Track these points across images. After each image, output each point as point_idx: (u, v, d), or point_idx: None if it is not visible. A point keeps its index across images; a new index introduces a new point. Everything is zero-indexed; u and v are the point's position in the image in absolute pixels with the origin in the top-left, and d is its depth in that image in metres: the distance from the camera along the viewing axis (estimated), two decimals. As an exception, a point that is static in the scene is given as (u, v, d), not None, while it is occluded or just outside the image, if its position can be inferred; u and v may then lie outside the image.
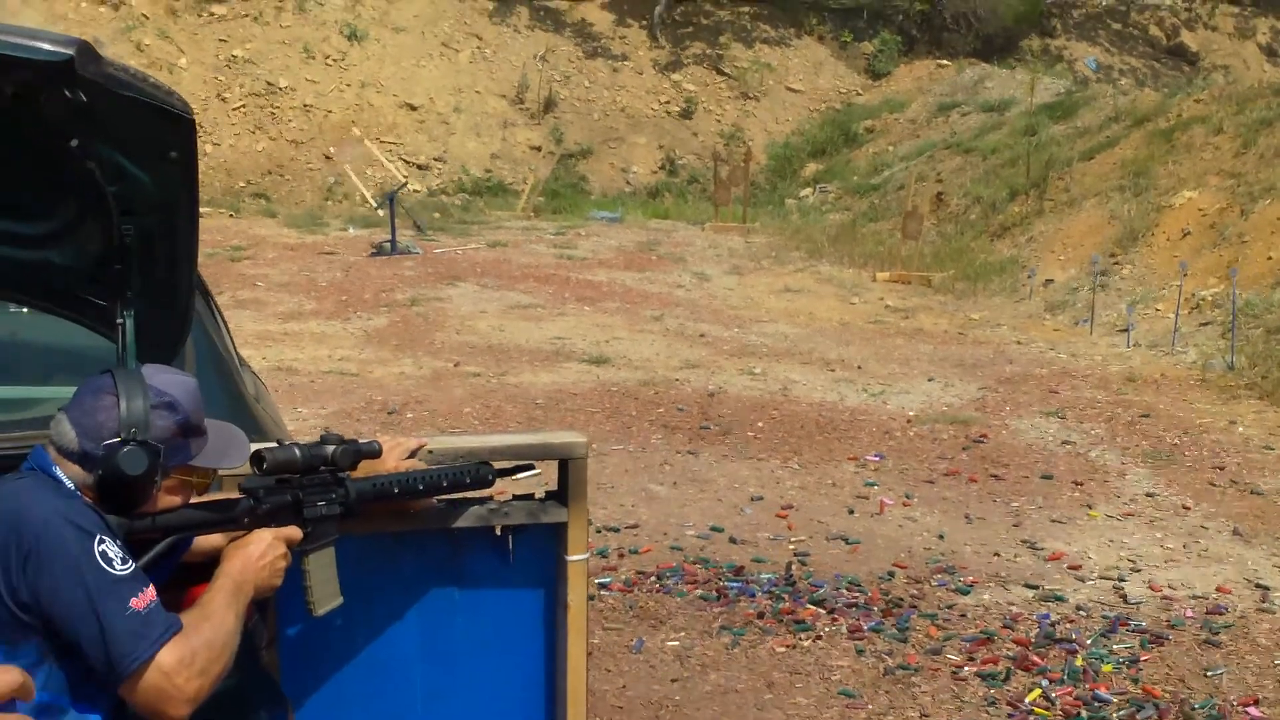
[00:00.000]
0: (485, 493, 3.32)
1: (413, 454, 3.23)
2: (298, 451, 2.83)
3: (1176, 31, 33.53)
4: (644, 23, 29.90)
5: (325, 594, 2.97)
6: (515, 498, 3.39)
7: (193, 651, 2.45)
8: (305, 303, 14.64)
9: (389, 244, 18.47)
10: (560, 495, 3.40)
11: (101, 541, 2.41)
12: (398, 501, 3.12)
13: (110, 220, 3.10)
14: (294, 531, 2.82)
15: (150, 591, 2.45)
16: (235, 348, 5.28)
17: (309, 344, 12.54)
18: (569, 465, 3.37)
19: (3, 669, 2.16)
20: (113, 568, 2.40)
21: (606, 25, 30.05)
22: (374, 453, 3.04)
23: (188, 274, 3.43)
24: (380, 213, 19.40)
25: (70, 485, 2.53)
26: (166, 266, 3.31)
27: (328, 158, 24.79)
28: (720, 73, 29.07)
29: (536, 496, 3.42)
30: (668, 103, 28.26)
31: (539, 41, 28.90)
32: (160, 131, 2.85)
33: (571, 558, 3.41)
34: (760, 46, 29.79)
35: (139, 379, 2.61)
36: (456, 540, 3.34)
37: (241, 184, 24.68)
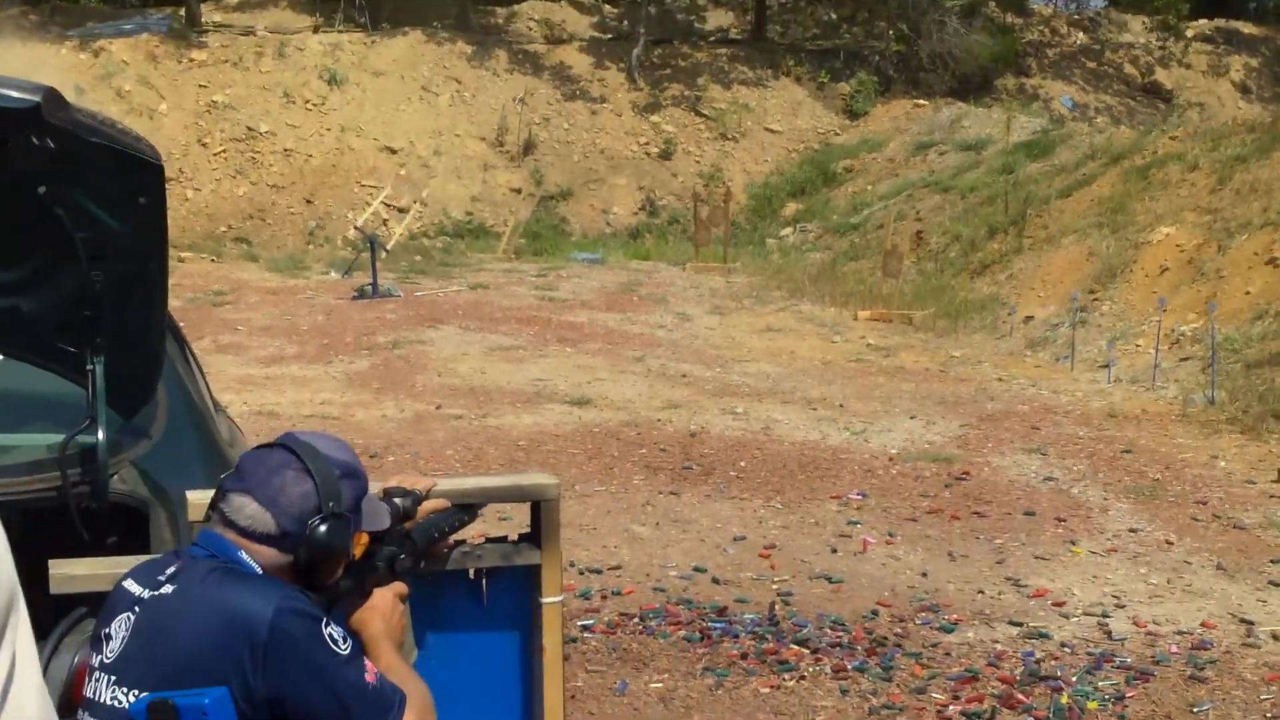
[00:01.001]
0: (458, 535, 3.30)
1: (428, 493, 3.22)
2: (389, 507, 2.81)
3: (1151, 70, 33.77)
4: (622, 65, 30.03)
5: (410, 646, 2.97)
6: (488, 540, 3.36)
7: (420, 712, 2.46)
8: (287, 347, 14.60)
9: (370, 287, 18.46)
10: (534, 537, 3.37)
11: (327, 624, 2.36)
12: (435, 545, 3.11)
13: (80, 266, 3.08)
14: (403, 588, 2.79)
15: (371, 663, 2.43)
16: (211, 393, 5.25)
17: (290, 388, 12.49)
18: (541, 507, 3.34)
19: None
20: (340, 647, 2.34)
21: (585, 68, 30.17)
22: (423, 500, 3.03)
23: (159, 319, 3.41)
24: (363, 255, 19.40)
25: (259, 570, 2.42)
26: (137, 312, 3.29)
27: (309, 202, 24.78)
28: (699, 114, 29.19)
29: (510, 539, 3.39)
30: (647, 144, 28.37)
31: (518, 84, 29.01)
32: (129, 177, 2.84)
33: (546, 600, 3.36)
34: (738, 88, 29.94)
35: (314, 449, 2.52)
36: (431, 583, 3.31)
37: (223, 228, 24.68)
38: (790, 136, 29.16)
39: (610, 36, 31.54)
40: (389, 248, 21.45)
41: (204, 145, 26.14)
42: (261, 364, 13.63)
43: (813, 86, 30.32)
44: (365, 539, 2.63)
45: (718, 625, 6.44)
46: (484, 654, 3.40)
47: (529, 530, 3.41)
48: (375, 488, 2.97)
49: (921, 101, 28.66)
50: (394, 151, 26.79)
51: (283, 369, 13.38)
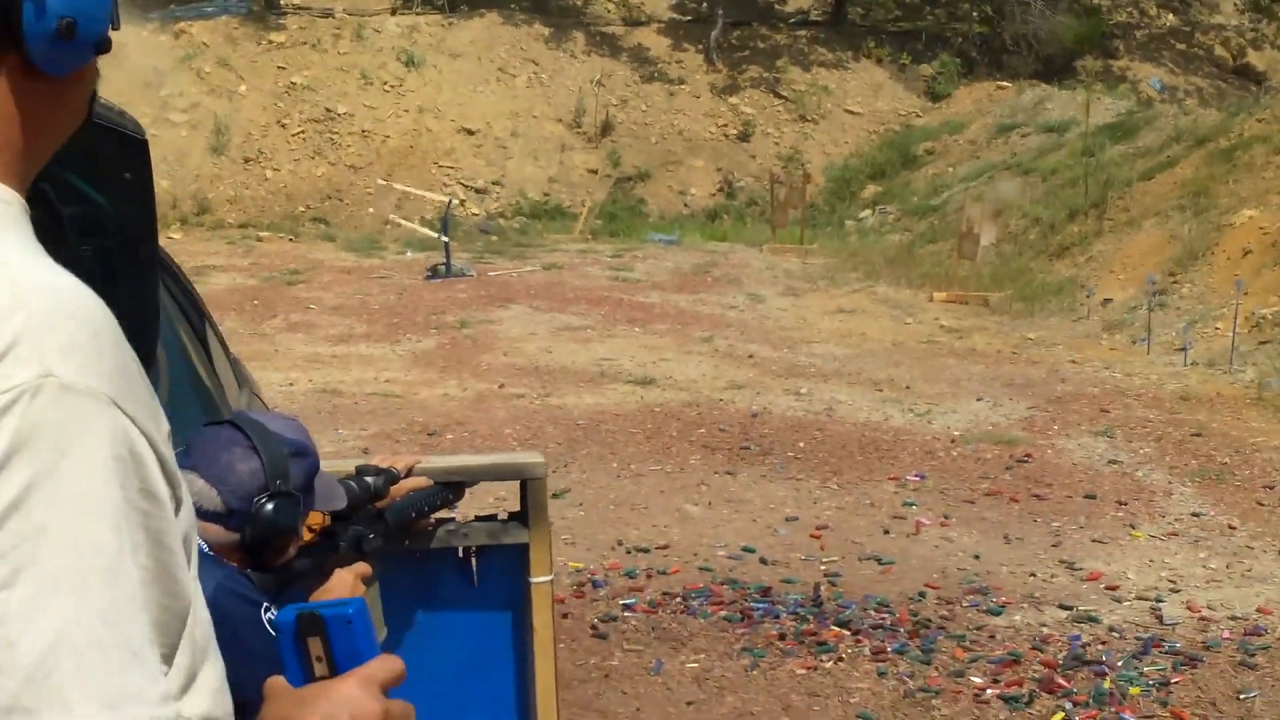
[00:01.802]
0: (447, 513, 3.27)
1: (409, 471, 3.18)
2: (356, 486, 2.77)
3: (1242, 52, 33.07)
4: (700, 47, 29.87)
5: (378, 624, 2.92)
6: (477, 518, 3.32)
7: None
8: (356, 325, 14.68)
9: (444, 266, 18.52)
10: (522, 516, 3.32)
11: (268, 610, 2.31)
12: (414, 524, 3.08)
13: (67, 242, 3.08)
14: (366, 568, 2.74)
15: None
16: (239, 370, 5.26)
17: (356, 366, 12.56)
18: (529, 485, 3.30)
19: None
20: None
21: (663, 50, 30.06)
22: (398, 479, 2.99)
23: (151, 298, 3.40)
24: (440, 237, 19.46)
25: (205, 548, 2.32)
26: (128, 290, 3.27)
27: (383, 181, 24.90)
28: (778, 95, 28.97)
29: (500, 518, 3.35)
30: (725, 126, 28.21)
31: (595, 66, 28.96)
32: (113, 153, 2.83)
33: (535, 580, 3.32)
34: (818, 69, 29.68)
35: (264, 427, 2.49)
36: (420, 562, 3.28)
37: (301, 208, 24.88)
38: (870, 118, 28.88)
39: (689, 19, 31.37)
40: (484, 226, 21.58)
41: (282, 126, 26.35)
42: (330, 342, 13.72)
43: (894, 68, 30.00)
44: (321, 519, 2.60)
45: (760, 605, 6.37)
46: (476, 633, 3.36)
47: (519, 509, 3.37)
48: (349, 465, 2.94)
49: (1004, 84, 28.26)
50: (471, 133, 26.86)
51: (350, 347, 13.46)
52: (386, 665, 1.28)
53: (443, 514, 3.28)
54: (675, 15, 31.70)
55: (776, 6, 32.67)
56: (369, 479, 2.85)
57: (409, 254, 20.79)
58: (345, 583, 2.63)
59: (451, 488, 3.19)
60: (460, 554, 3.31)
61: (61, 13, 1.23)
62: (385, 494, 2.90)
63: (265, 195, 25.16)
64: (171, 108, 26.25)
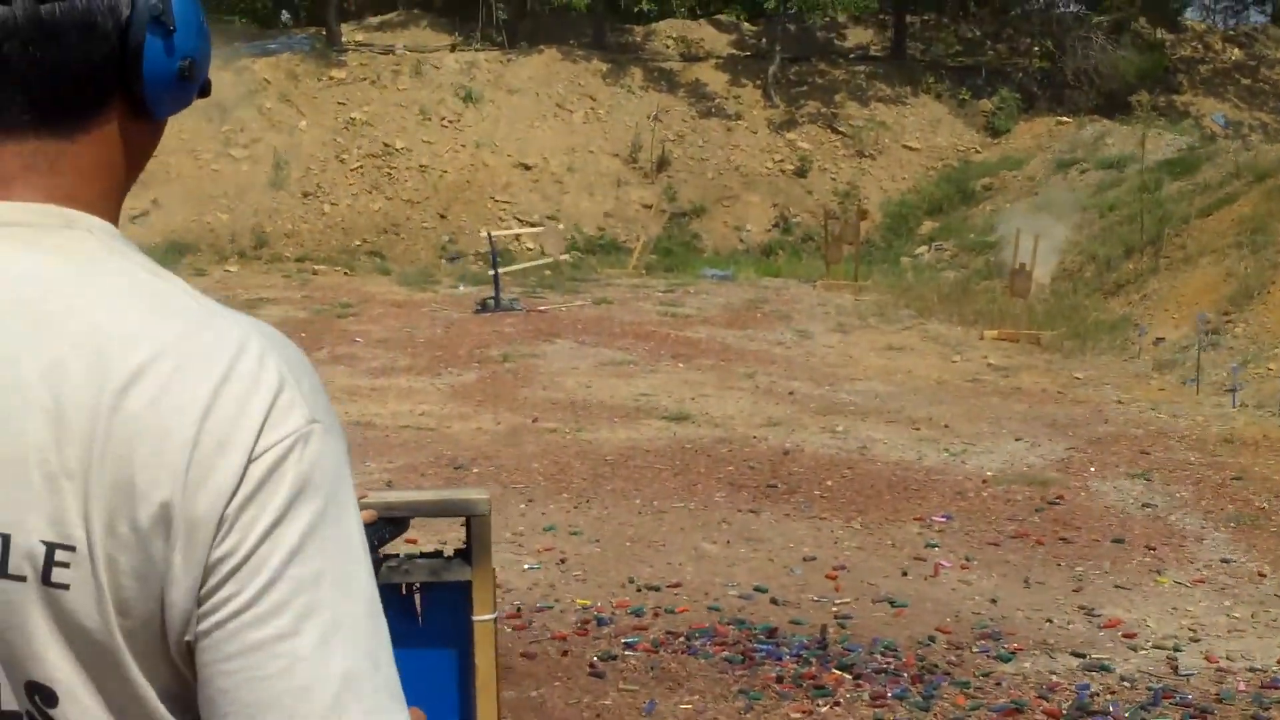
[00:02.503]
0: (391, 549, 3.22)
1: None
2: None
3: (1311, 87, 32.67)
4: (758, 82, 29.85)
5: None
6: (421, 555, 3.28)
7: None
8: (400, 359, 14.72)
9: (493, 300, 18.57)
10: (467, 553, 3.27)
11: None
12: None
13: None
14: None
15: None
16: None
17: (393, 399, 12.57)
18: (473, 522, 3.25)
19: None
20: None
21: (720, 85, 30.06)
22: None
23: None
24: (490, 271, 19.50)
25: None
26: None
27: (442, 217, 25.05)
28: (835, 131, 28.87)
29: (445, 554, 3.30)
30: (782, 161, 28.13)
31: (652, 101, 29.00)
32: None
33: (478, 618, 3.27)
34: (875, 105, 29.56)
35: None
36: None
37: (357, 242, 25.05)
38: (928, 154, 28.71)
39: (747, 54, 31.38)
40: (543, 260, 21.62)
41: (341, 161, 26.58)
42: (371, 375, 13.75)
43: (953, 104, 29.82)
44: None
45: (764, 647, 6.27)
46: (421, 672, 3.31)
47: (464, 546, 3.33)
48: None
49: (1065, 119, 28.03)
50: (528, 168, 26.95)
51: (390, 380, 13.48)
52: None
53: (388, 550, 3.24)
54: (734, 51, 31.72)
55: (835, 42, 32.62)
56: None
57: (461, 288, 20.89)
58: None
59: (396, 523, 3.15)
60: (404, 591, 3.28)
61: (186, 54, 1.22)
62: None
63: (323, 229, 25.35)
64: (234, 143, 26.56)
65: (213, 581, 1.09)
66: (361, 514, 3.10)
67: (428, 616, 3.28)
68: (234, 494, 1.09)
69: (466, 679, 3.30)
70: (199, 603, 1.09)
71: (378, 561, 3.18)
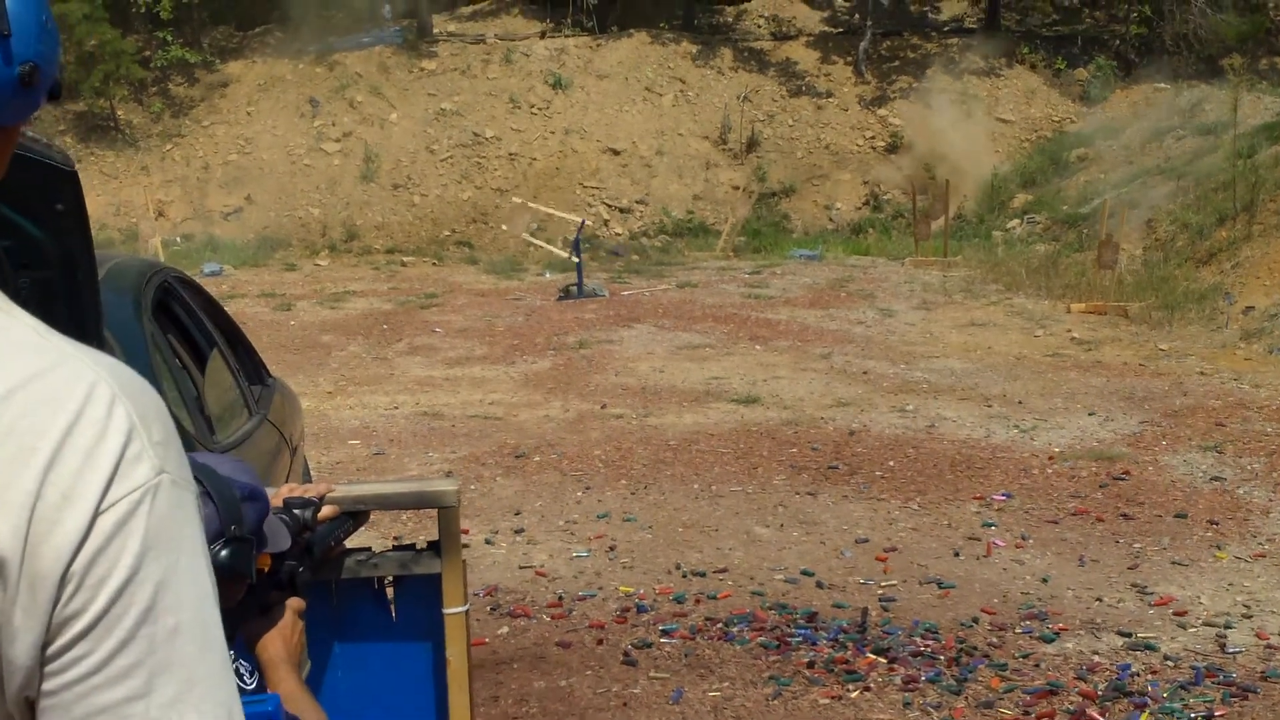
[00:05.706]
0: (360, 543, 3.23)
1: (321, 499, 3.15)
2: (289, 521, 2.76)
3: None
4: (849, 59, 29.56)
5: (304, 660, 2.91)
6: (395, 548, 3.28)
7: None
8: (477, 348, 14.80)
9: (575, 288, 18.61)
10: (436, 545, 3.27)
11: (236, 659, 2.33)
12: (329, 553, 3.05)
13: (4, 274, 3.12)
14: (300, 603, 2.73)
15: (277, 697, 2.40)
16: (251, 399, 5.29)
17: (465, 388, 12.64)
18: (441, 514, 3.25)
19: None
20: (244, 682, 2.32)
21: (811, 63, 29.82)
22: (320, 508, 2.98)
23: (92, 328, 3.43)
24: (571, 258, 19.54)
25: None
26: (68, 319, 3.31)
27: (524, 203, 25.14)
28: (927, 105, 28.51)
29: (417, 547, 3.30)
30: (873, 138, 27.85)
31: (742, 82, 28.86)
32: (44, 185, 2.87)
33: (449, 611, 3.26)
34: (969, 78, 29.11)
35: (214, 472, 2.42)
36: (334, 592, 3.25)
37: (446, 233, 25.24)
38: (1022, 125, 28.24)
39: (839, 30, 31.07)
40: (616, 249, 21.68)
41: (431, 152, 26.77)
42: (446, 365, 13.84)
43: (1048, 74, 29.29)
44: (268, 560, 2.57)
45: (802, 632, 6.21)
46: (395, 665, 3.32)
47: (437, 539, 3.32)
48: (273, 498, 2.91)
49: (1162, 85, 27.40)
50: (617, 153, 26.96)
51: (464, 370, 13.56)
52: None
53: (355, 543, 3.25)
54: (826, 28, 31.43)
55: (930, 15, 32.18)
56: (297, 511, 2.82)
57: (547, 275, 20.97)
58: (287, 622, 2.58)
59: (355, 515, 3.16)
60: (376, 585, 3.29)
61: (26, 58, 1.19)
62: (314, 525, 2.87)
63: (412, 220, 25.56)
64: (325, 137, 26.87)
65: (62, 641, 1.05)
66: (323, 509, 3.11)
67: (401, 609, 3.28)
68: (79, 549, 1.05)
69: (441, 672, 3.31)
70: (44, 661, 1.05)
71: (341, 555, 3.19)
